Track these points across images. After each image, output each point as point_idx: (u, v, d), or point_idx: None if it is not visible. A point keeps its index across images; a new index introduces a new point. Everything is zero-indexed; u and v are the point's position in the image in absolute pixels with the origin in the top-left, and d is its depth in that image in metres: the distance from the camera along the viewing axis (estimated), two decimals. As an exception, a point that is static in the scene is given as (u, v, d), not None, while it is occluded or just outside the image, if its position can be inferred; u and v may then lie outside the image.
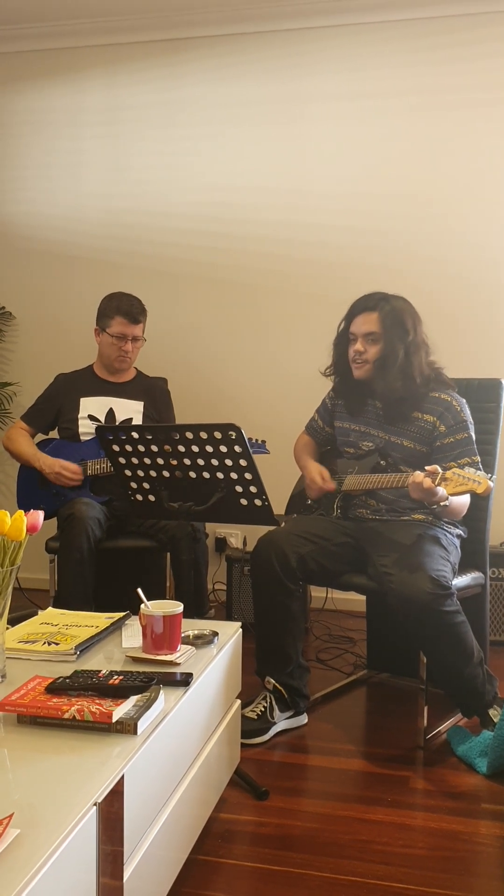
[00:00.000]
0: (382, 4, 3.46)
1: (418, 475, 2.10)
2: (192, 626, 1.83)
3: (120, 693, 1.36)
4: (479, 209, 3.47)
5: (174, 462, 2.11)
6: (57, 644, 1.67)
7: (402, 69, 3.50)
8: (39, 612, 1.94)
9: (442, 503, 2.14)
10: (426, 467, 2.11)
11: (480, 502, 2.43)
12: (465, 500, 2.28)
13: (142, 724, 1.30)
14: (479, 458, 2.31)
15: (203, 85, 3.72)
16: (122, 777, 1.17)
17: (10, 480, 3.89)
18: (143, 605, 1.67)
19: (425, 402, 2.38)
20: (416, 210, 3.52)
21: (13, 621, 1.80)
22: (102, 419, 2.99)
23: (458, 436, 2.33)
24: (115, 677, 1.42)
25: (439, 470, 2.08)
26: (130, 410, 3.04)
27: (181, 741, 1.48)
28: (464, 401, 2.38)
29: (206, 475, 2.09)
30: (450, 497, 2.11)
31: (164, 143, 3.78)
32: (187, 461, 2.09)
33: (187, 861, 1.55)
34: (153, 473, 2.17)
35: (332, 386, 2.63)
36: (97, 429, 2.21)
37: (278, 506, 2.44)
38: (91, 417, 2.99)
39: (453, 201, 3.49)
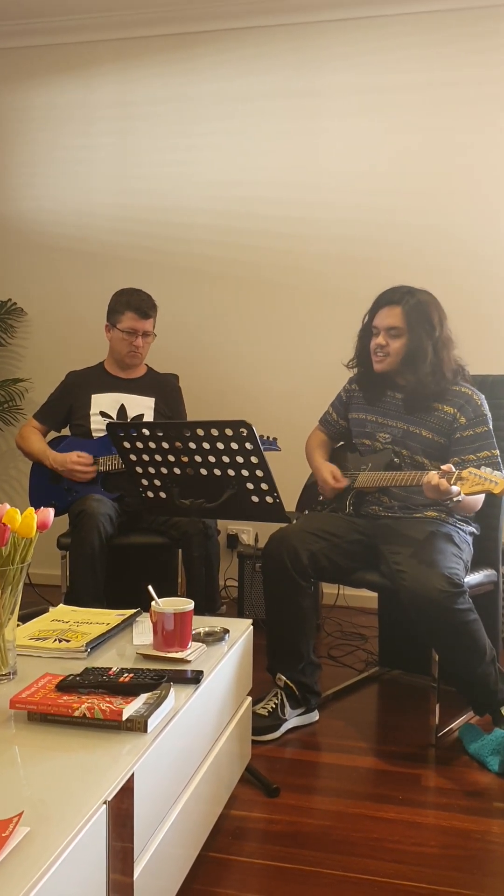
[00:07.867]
0: (395, -3, 3.45)
1: (433, 475, 2.09)
2: (203, 623, 1.82)
3: (130, 691, 1.36)
4: (493, 203, 3.44)
5: (185, 459, 2.11)
6: (68, 641, 1.67)
7: (419, 62, 3.48)
8: (50, 609, 1.95)
9: (455, 498, 2.12)
10: (441, 467, 2.10)
11: (493, 499, 2.42)
12: (480, 496, 2.27)
13: (152, 722, 1.30)
14: (497, 452, 2.30)
15: (216, 80, 3.71)
16: (133, 775, 1.17)
17: (22, 477, 3.90)
18: (153, 602, 1.67)
19: (446, 394, 2.37)
20: (430, 205, 3.50)
21: (24, 618, 1.80)
22: (114, 415, 2.99)
23: (478, 429, 2.32)
24: (126, 675, 1.42)
25: (454, 469, 2.07)
26: (142, 406, 3.04)
27: (192, 738, 1.48)
28: (483, 396, 2.38)
29: (218, 472, 2.09)
30: (464, 494, 2.09)
31: (176, 138, 3.77)
32: (198, 458, 2.09)
33: (198, 858, 1.55)
34: (164, 470, 2.17)
35: (347, 380, 2.62)
36: (108, 426, 2.21)
37: (290, 503, 2.43)
38: (102, 414, 2.99)
39: (467, 196, 3.46)
